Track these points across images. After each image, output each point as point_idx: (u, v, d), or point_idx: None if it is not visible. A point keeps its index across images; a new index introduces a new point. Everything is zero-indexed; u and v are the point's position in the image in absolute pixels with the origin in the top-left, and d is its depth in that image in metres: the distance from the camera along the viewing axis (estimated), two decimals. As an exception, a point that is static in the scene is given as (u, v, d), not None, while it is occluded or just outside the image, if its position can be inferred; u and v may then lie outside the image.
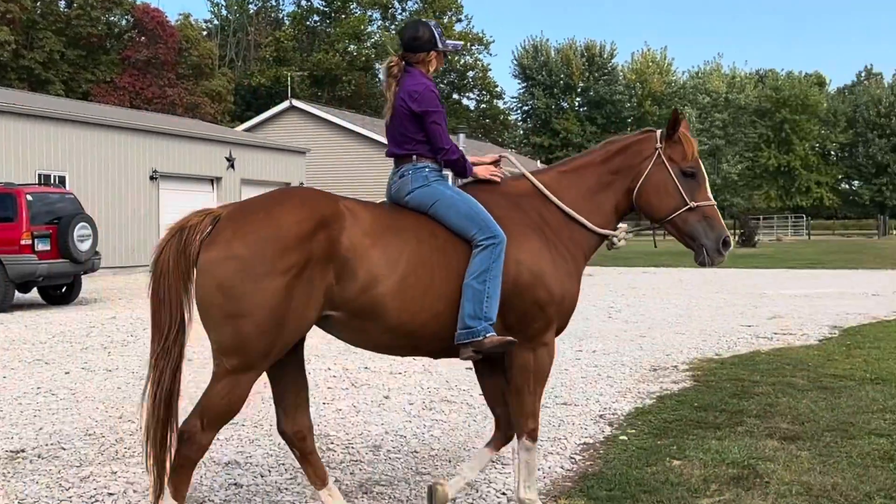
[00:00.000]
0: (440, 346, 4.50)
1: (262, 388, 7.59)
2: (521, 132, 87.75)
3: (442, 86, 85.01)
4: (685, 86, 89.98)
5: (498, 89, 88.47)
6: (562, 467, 5.64)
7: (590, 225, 4.79)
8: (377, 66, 77.15)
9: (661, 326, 12.75)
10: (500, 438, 4.88)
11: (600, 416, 7.06)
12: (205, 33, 67.79)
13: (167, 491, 4.07)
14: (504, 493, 5.11)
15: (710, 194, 4.84)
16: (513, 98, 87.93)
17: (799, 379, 8.36)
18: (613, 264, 31.56)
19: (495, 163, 4.96)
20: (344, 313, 4.24)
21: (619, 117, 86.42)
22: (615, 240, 4.93)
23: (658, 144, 4.83)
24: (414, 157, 4.67)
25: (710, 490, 5.06)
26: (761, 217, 69.83)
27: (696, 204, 4.76)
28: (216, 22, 72.58)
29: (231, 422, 6.66)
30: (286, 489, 5.21)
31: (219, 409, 4.08)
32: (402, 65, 4.75)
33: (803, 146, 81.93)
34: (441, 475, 5.43)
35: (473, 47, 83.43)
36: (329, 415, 7.09)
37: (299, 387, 4.53)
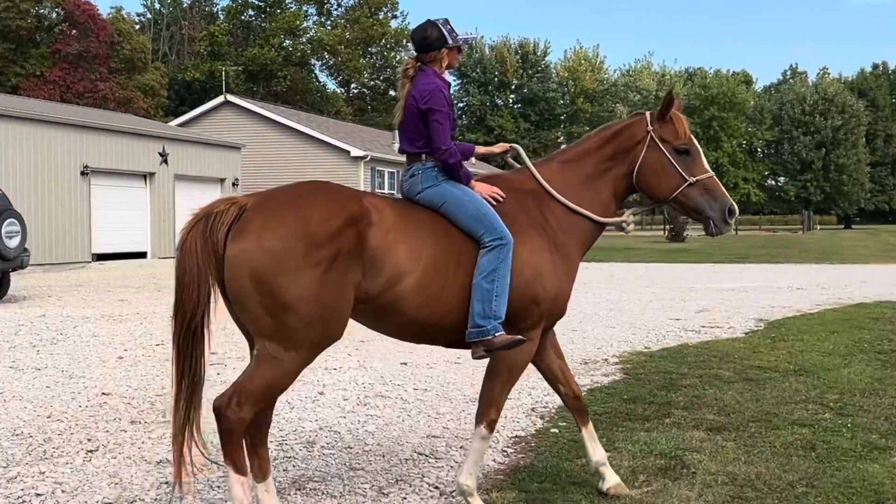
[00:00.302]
0: (454, 337, 4.64)
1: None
2: (457, 129, 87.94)
3: (377, 82, 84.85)
4: (617, 84, 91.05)
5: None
6: (494, 461, 5.67)
7: (596, 217, 4.94)
8: (313, 61, 76.76)
9: (592, 320, 12.88)
10: (580, 412, 5.08)
11: (532, 410, 7.11)
12: (137, 27, 66.72)
13: (230, 468, 4.15)
14: (437, 487, 5.12)
15: (707, 167, 4.99)
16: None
17: (725, 371, 8.51)
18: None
19: (505, 152, 5.22)
20: (368, 306, 4.35)
21: (552, 114, 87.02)
22: (624, 224, 5.09)
23: (649, 126, 4.97)
24: (423, 155, 4.77)
25: (639, 481, 5.13)
26: (691, 212, 70.93)
27: (695, 179, 4.91)
28: (149, 15, 71.50)
29: (163, 419, 6.62)
30: (219, 487, 5.15)
31: (257, 391, 4.13)
32: (416, 66, 4.87)
33: (731, 143, 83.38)
34: (375, 471, 5.42)
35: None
36: (263, 411, 7.01)
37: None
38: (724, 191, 4.94)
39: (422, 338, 4.74)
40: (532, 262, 4.65)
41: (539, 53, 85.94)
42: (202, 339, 4.30)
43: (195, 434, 4.29)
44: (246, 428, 4.21)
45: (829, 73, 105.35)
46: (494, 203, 4.76)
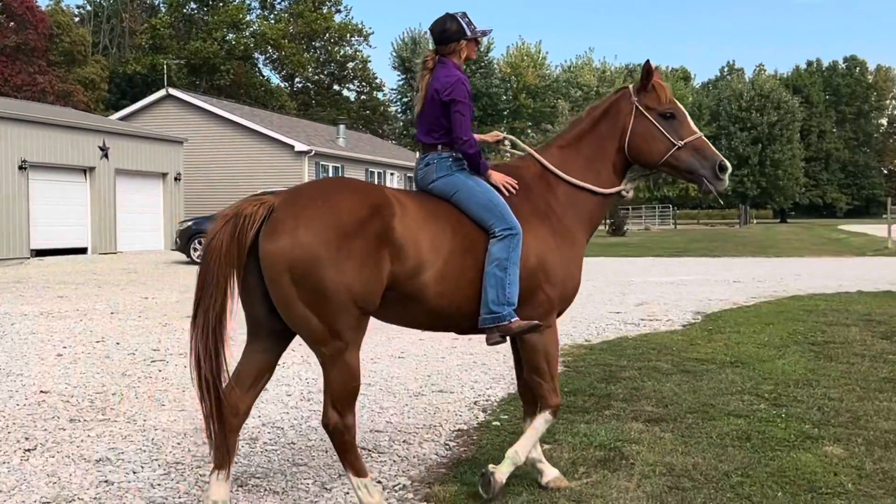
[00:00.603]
0: (468, 324, 4.78)
1: (137, 382, 7.42)
2: (402, 124, 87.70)
3: (321, 76, 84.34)
4: (558, 79, 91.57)
5: (378, 81, 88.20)
6: (437, 454, 5.68)
7: (598, 189, 5.10)
8: (257, 55, 76.00)
9: (534, 314, 12.93)
10: (532, 405, 5.07)
11: (475, 403, 7.14)
12: (77, 19, 65.47)
13: (349, 472, 4.39)
14: (379, 482, 5.09)
15: (694, 128, 5.13)
16: (393, 90, 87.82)
17: (663, 363, 8.62)
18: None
19: (498, 142, 5.39)
20: (394, 293, 4.44)
21: (495, 109, 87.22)
22: (624, 192, 5.23)
23: (633, 98, 5.14)
24: (439, 146, 4.90)
25: (579, 472, 5.17)
26: (630, 207, 71.66)
27: (683, 141, 5.06)
28: (89, 8, 70.14)
29: (103, 417, 6.52)
30: (159, 485, 5.09)
31: (342, 392, 4.33)
32: (436, 58, 4.97)
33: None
34: (318, 466, 5.40)
35: (353, 39, 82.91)
36: (205, 408, 6.93)
37: (266, 369, 4.57)
38: (714, 149, 5.09)
39: (438, 325, 4.85)
40: (537, 251, 4.79)
41: (482, 49, 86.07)
42: (221, 338, 4.35)
43: (223, 417, 4.35)
44: (228, 412, 4.35)
45: (765, 70, 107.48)
46: (507, 193, 4.89)
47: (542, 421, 4.90)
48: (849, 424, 6.28)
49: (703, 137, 5.09)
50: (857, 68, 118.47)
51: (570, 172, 5.06)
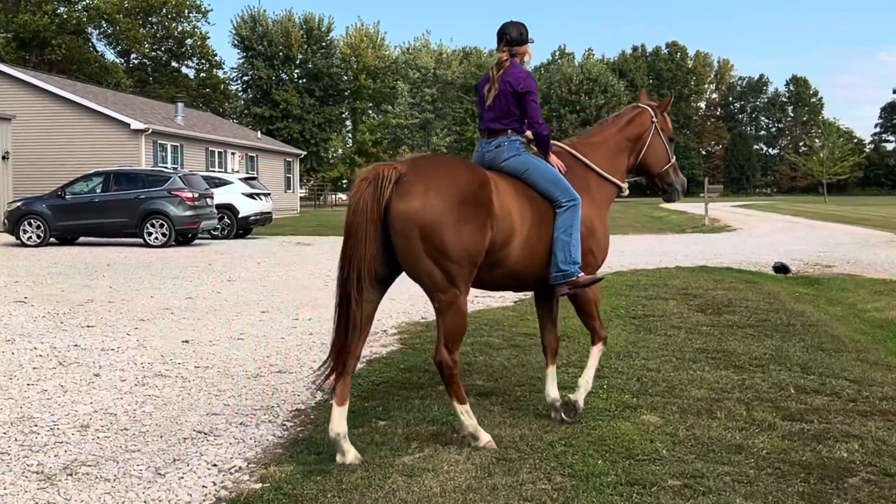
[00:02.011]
0: (534, 282, 5.73)
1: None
2: (242, 102, 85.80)
3: (159, 53, 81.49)
4: (398, 61, 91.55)
5: (217, 58, 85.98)
6: (273, 435, 5.63)
7: (618, 182, 6.17)
8: (90, 29, 72.66)
9: (373, 292, 12.96)
10: (553, 353, 6.08)
11: (313, 383, 7.06)
12: None
13: (454, 400, 5.19)
14: (215, 465, 5.02)
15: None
16: (233, 68, 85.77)
17: (495, 338, 8.81)
18: (332, 233, 31.69)
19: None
20: (486, 258, 5.15)
21: (336, 90, 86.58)
22: (624, 188, 6.33)
23: (654, 118, 6.28)
24: (509, 131, 5.64)
25: (412, 448, 5.23)
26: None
27: (673, 160, 6.40)
28: None
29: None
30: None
31: (454, 333, 5.07)
32: (510, 58, 5.71)
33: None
34: (152, 451, 5.26)
35: (191, 14, 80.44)
36: (33, 396, 6.59)
37: (373, 316, 5.24)
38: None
39: (510, 285, 5.80)
40: (587, 221, 5.72)
41: (323, 29, 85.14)
42: (366, 288, 4.93)
43: (347, 360, 5.03)
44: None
45: (593, 55, 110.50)
46: (562, 168, 5.78)
47: (597, 350, 6.01)
48: (665, 394, 6.60)
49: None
50: (679, 54, 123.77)
51: (600, 163, 6.07)
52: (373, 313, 5.21)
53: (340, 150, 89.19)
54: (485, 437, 5.21)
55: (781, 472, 4.83)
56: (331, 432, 5.00)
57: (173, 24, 79.20)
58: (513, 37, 5.73)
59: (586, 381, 5.88)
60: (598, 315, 6.06)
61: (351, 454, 4.93)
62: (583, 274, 5.58)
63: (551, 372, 6.01)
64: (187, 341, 8.86)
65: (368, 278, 4.92)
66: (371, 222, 4.88)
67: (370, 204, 4.87)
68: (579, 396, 5.80)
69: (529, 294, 12.45)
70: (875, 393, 6.62)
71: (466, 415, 5.20)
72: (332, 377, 5.05)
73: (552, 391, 5.93)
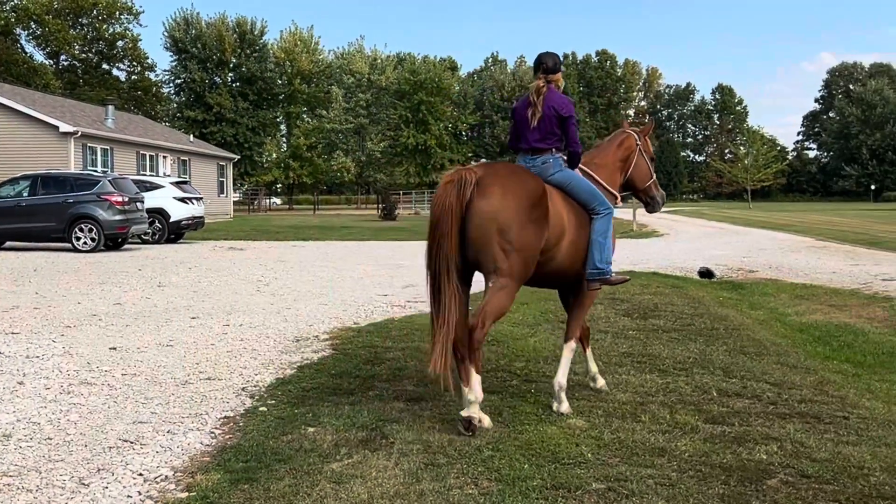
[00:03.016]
0: (573, 279, 6.41)
1: None
2: (175, 105, 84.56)
3: (89, 55, 79.93)
4: (332, 65, 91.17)
5: (150, 61, 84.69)
6: (201, 443, 5.54)
7: (618, 195, 7.01)
8: (18, 30, 70.93)
9: (306, 298, 12.91)
10: (586, 339, 7.03)
11: (242, 389, 7.01)
12: None
13: (472, 371, 5.74)
14: (141, 474, 4.93)
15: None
16: (165, 71, 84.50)
17: (426, 343, 8.74)
18: (265, 238, 31.44)
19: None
20: (540, 256, 5.90)
21: (270, 94, 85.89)
22: (620, 200, 7.14)
23: (638, 142, 7.18)
24: (553, 149, 6.40)
25: (341, 454, 5.20)
26: (401, 192, 72.61)
27: (654, 177, 7.27)
28: None
29: None
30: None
31: (495, 311, 5.77)
32: (548, 84, 6.46)
33: (438, 126, 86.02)
34: (76, 461, 5.14)
35: (122, 16, 79.11)
36: (-46, 405, 6.42)
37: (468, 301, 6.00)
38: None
39: (552, 280, 6.46)
40: None
41: (256, 33, 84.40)
42: (453, 276, 5.66)
43: (455, 345, 5.69)
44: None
45: (525, 62, 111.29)
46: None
47: (569, 350, 6.46)
48: (591, 397, 6.68)
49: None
50: (608, 62, 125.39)
51: (607, 181, 6.88)
52: (468, 301, 5.93)
53: (275, 155, 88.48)
54: (476, 415, 5.72)
55: (703, 474, 4.92)
56: (469, 400, 5.69)
57: (104, 26, 77.81)
58: (549, 66, 6.50)
59: (563, 376, 6.35)
60: (587, 313, 6.82)
61: (487, 422, 5.81)
62: (614, 273, 6.47)
63: (589, 354, 7.05)
64: (115, 348, 8.69)
65: (454, 266, 5.66)
66: (455, 218, 5.64)
67: (454, 202, 5.64)
68: (562, 399, 6.30)
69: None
70: (794, 396, 6.78)
71: (477, 384, 5.78)
72: (440, 364, 5.56)
73: (592, 367, 7.04)
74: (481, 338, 5.71)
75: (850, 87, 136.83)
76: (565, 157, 6.48)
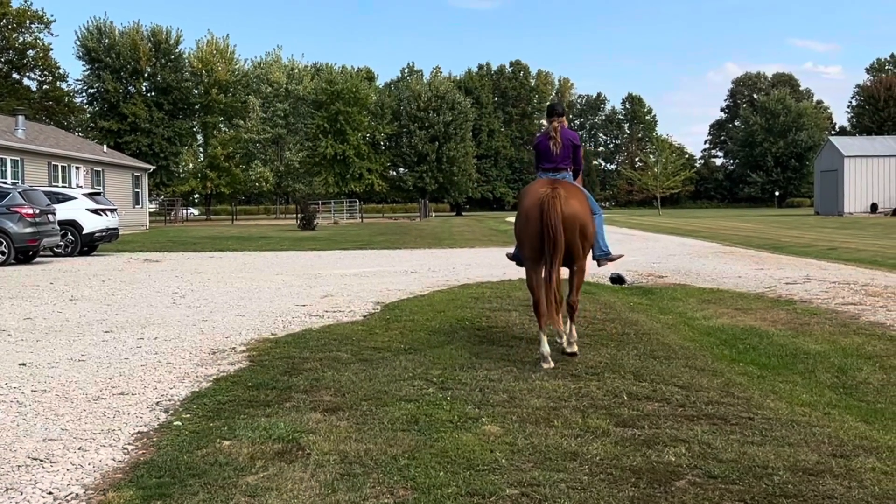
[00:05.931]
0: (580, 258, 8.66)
1: None
2: (88, 116, 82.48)
3: (-2, 65, 77.44)
4: (249, 75, 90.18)
5: (61, 70, 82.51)
6: (113, 459, 5.39)
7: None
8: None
9: (223, 310, 12.71)
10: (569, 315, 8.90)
11: (157, 404, 6.85)
12: None
13: (572, 323, 8.71)
14: (51, 493, 4.77)
15: None
16: (78, 80, 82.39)
17: (344, 353, 8.75)
18: (181, 249, 30.89)
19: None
20: None
21: (186, 103, 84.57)
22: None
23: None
24: (568, 169, 8.99)
25: (256, 467, 5.12)
26: (320, 202, 72.06)
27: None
28: None
29: None
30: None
31: (581, 285, 8.88)
32: (562, 123, 8.98)
33: (356, 136, 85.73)
34: (-18, 481, 4.95)
35: (33, 25, 76.94)
36: None
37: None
38: None
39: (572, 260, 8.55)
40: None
41: (172, 42, 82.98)
42: (559, 262, 8.13)
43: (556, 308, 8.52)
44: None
45: (441, 72, 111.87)
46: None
47: (573, 322, 8.87)
48: (505, 403, 6.69)
49: None
50: (521, 72, 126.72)
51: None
52: (560, 278, 8.68)
53: (191, 165, 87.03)
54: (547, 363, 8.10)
55: (614, 477, 4.98)
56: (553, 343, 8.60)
57: (14, 35, 75.54)
58: (559, 111, 9.01)
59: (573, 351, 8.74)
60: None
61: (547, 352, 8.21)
62: (613, 253, 9.30)
63: (572, 326, 8.89)
64: (24, 364, 8.43)
65: (562, 253, 8.04)
66: (558, 222, 7.93)
67: (561, 209, 7.97)
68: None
69: (378, 308, 12.51)
70: (702, 398, 6.91)
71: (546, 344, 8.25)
72: (545, 321, 8.15)
73: (574, 334, 8.87)
74: (576, 304, 8.76)
75: (755, 96, 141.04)
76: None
